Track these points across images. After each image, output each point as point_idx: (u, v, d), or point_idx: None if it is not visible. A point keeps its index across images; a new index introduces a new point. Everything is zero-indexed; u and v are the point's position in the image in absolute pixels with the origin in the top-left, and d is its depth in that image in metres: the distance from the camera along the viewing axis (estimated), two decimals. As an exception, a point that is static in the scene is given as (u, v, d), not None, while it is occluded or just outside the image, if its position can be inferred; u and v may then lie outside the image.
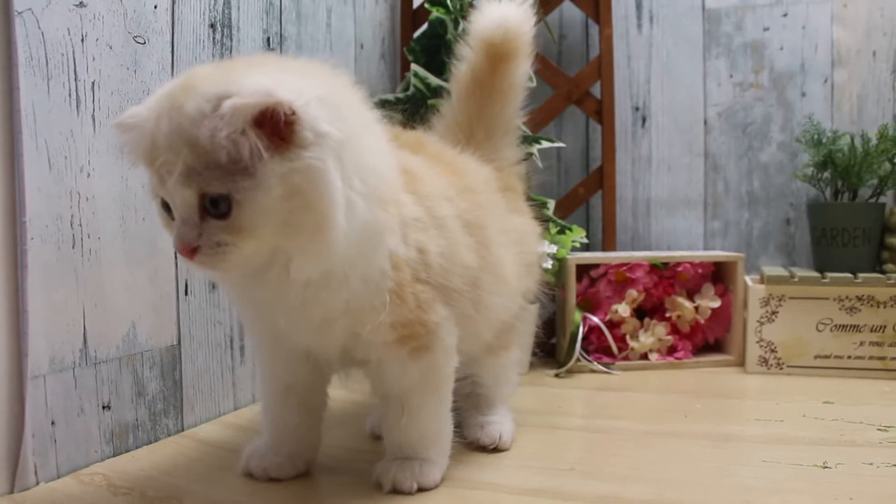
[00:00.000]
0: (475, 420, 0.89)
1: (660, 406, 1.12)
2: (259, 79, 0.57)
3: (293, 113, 0.56)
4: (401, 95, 1.32)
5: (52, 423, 0.76)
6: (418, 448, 0.75)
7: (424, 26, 1.42)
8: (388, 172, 0.67)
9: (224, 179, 0.56)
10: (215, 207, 0.57)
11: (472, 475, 0.79)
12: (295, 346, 0.73)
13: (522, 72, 0.93)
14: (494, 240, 0.80)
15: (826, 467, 0.80)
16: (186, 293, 0.95)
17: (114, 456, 0.84)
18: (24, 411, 0.73)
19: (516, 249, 0.86)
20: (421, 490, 0.73)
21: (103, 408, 0.83)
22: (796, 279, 1.27)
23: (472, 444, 0.87)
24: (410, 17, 1.50)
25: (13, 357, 0.73)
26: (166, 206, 0.60)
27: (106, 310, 0.83)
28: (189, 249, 0.58)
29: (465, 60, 0.93)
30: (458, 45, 0.94)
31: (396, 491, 0.72)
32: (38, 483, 0.75)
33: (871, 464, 0.81)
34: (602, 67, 1.48)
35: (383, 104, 1.16)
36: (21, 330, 0.73)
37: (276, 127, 0.56)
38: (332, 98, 0.60)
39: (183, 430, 0.95)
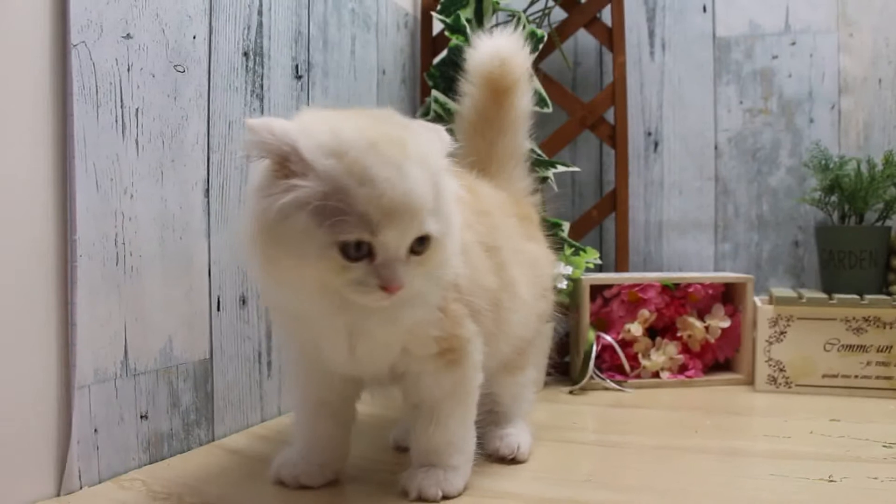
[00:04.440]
0: (494, 433, 0.92)
1: (671, 422, 1.15)
2: None
3: None
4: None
5: (95, 430, 0.81)
6: (444, 455, 0.78)
7: (444, 53, 1.47)
8: None
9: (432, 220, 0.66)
10: (420, 245, 0.66)
11: (493, 485, 0.82)
12: (337, 369, 0.77)
13: (526, 102, 0.96)
14: (509, 260, 0.84)
15: (832, 481, 0.83)
16: (219, 309, 1.00)
17: (150, 463, 0.88)
18: (71, 419, 0.78)
19: (530, 272, 0.90)
20: (445, 498, 0.76)
21: (141, 417, 0.87)
22: (804, 300, 1.30)
23: (491, 455, 0.90)
24: (430, 44, 1.56)
25: (62, 368, 0.78)
26: (348, 249, 0.63)
27: (145, 324, 0.87)
28: (399, 287, 0.64)
29: (469, 97, 0.95)
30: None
31: (422, 499, 0.76)
32: (81, 487, 0.79)
33: (876, 478, 0.84)
34: (616, 94, 1.53)
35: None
36: (70, 342, 0.78)
37: None
38: None
39: (214, 440, 0.99)
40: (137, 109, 0.86)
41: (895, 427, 1.07)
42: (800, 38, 1.56)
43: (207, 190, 0.97)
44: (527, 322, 0.90)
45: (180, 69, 0.92)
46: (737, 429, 1.13)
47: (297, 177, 0.63)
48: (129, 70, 0.84)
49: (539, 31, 1.34)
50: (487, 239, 0.81)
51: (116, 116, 0.83)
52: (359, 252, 0.63)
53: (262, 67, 1.07)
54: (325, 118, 0.68)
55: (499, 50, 0.92)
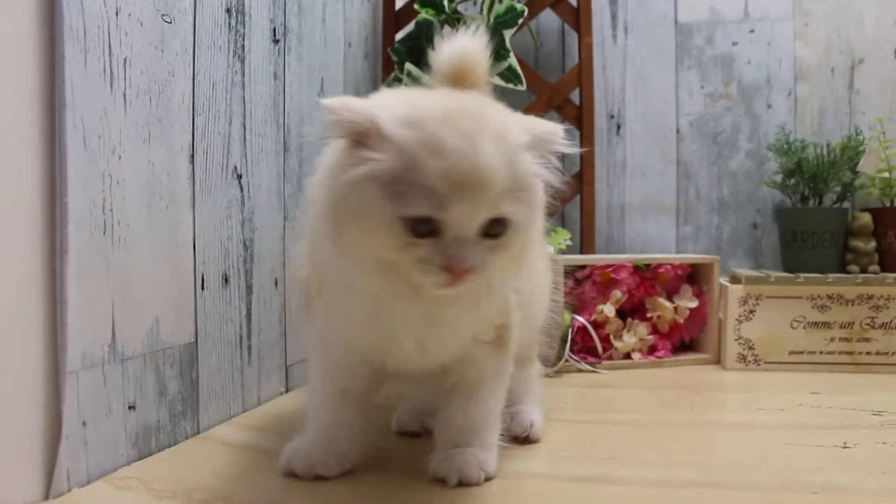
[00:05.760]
0: (505, 412, 0.88)
1: (662, 400, 1.15)
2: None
3: None
4: (393, 94, 1.30)
5: (84, 423, 0.71)
6: (481, 432, 0.76)
7: (410, 27, 1.42)
8: None
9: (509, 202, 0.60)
10: (497, 228, 0.60)
11: (517, 467, 0.79)
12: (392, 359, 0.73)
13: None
14: None
15: (847, 447, 0.84)
16: (203, 288, 0.90)
17: (139, 459, 0.78)
18: (60, 411, 0.67)
19: (542, 260, 0.89)
20: (486, 479, 0.73)
21: (129, 408, 0.77)
22: (772, 279, 1.33)
23: (503, 434, 0.86)
24: (392, 18, 1.49)
25: (49, 352, 0.67)
26: (414, 224, 0.58)
27: (133, 302, 0.77)
28: (466, 269, 0.59)
29: None
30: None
31: (463, 483, 0.71)
32: (70, 489, 0.68)
33: (885, 443, 0.86)
34: (582, 74, 1.52)
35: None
36: (59, 322, 0.67)
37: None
38: None
39: (199, 432, 0.89)
40: (125, 59, 0.76)
41: (873, 397, 1.11)
42: (758, 26, 1.60)
43: (192, 156, 0.88)
44: (543, 309, 0.90)
45: (167, 19, 0.82)
46: (729, 404, 1.14)
47: (372, 151, 0.59)
48: (116, 14, 0.74)
49: (518, 6, 1.31)
50: None
51: (105, 65, 0.73)
52: (425, 228, 0.58)
53: (244, 27, 0.98)
54: (405, 95, 0.67)
55: (465, 48, 0.89)
